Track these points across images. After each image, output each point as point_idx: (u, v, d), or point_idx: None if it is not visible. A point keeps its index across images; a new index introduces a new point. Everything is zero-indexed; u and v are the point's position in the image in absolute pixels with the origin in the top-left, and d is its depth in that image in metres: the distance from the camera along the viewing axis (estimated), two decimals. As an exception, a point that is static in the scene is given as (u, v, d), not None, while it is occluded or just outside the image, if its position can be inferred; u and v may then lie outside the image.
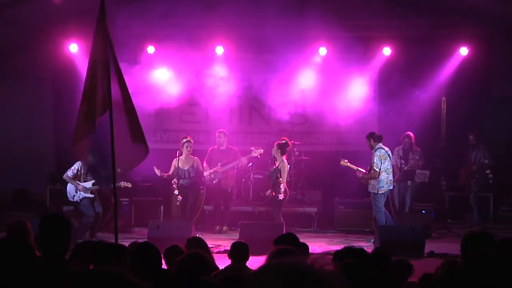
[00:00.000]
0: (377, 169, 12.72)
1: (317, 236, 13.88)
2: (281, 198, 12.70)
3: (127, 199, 14.89)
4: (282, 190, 12.69)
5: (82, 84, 7.79)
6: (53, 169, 16.05)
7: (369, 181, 12.90)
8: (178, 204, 13.25)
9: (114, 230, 7.48)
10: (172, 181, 13.31)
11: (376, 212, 12.89)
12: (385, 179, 12.83)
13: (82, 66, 14.38)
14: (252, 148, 14.10)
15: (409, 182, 14.65)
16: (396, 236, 11.57)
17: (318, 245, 12.17)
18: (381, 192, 12.80)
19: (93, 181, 12.72)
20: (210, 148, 14.54)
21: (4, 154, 16.54)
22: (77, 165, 12.71)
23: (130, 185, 13.18)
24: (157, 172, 13.42)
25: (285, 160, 13.18)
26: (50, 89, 16.83)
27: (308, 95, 15.60)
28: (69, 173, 12.69)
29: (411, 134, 14.67)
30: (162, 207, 14.74)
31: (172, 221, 13.42)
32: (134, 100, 14.36)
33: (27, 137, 16.62)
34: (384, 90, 15.79)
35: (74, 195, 12.87)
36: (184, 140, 13.67)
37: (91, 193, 12.78)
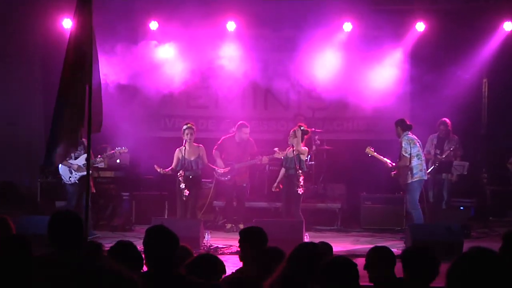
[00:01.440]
0: (406, 155, 12.62)
1: (341, 235, 13.89)
2: (301, 193, 12.68)
3: (128, 194, 14.92)
4: (301, 183, 12.68)
5: None
6: (43, 160, 15.97)
7: (401, 171, 12.80)
8: (184, 199, 13.23)
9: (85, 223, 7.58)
10: (178, 174, 13.27)
11: (411, 205, 12.76)
12: (419, 165, 12.69)
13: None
14: (276, 149, 13.84)
15: (444, 174, 14.58)
16: (431, 236, 11.47)
17: (342, 245, 12.15)
18: (416, 178, 12.68)
19: (85, 155, 12.28)
20: (224, 137, 14.48)
21: (-13, 143, 16.52)
22: None
23: (126, 150, 13.32)
24: (158, 170, 13.37)
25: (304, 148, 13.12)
26: (39, 70, 16.74)
27: (331, 76, 15.44)
28: None
29: (447, 120, 14.57)
30: (166, 202, 14.76)
31: (178, 219, 13.40)
32: (135, 82, 14.48)
33: (13, 124, 16.58)
34: (417, 71, 15.67)
35: (70, 176, 12.88)
36: (185, 126, 13.48)
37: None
